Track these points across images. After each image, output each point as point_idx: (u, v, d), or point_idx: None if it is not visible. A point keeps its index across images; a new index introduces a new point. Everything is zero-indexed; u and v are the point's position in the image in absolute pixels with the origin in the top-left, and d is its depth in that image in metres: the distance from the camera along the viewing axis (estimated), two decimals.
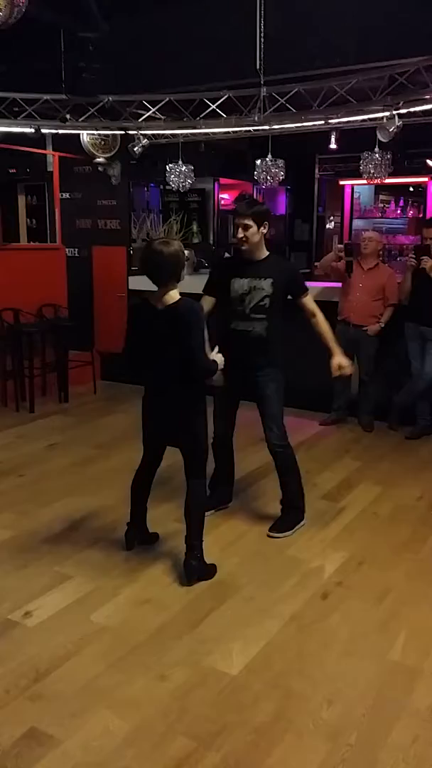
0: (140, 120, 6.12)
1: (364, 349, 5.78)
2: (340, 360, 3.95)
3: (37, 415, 6.42)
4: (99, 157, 6.80)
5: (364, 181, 7.11)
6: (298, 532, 4.01)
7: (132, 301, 7.21)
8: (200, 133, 6.52)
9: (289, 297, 3.92)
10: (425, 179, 9.08)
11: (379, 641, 3.00)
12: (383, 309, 5.77)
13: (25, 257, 7.22)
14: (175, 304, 3.25)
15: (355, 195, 9.92)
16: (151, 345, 3.33)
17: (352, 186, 9.82)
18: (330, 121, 5.69)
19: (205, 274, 6.91)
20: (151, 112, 5.94)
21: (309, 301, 3.95)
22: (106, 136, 6.70)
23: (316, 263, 7.77)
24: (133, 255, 7.55)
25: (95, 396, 7.17)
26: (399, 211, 9.75)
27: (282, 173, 6.19)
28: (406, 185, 9.64)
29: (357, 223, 9.86)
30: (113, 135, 6.71)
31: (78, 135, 6.59)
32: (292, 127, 5.96)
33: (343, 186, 9.86)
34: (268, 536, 3.96)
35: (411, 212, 9.63)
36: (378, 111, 5.29)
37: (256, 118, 5.48)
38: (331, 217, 10.50)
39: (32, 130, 6.14)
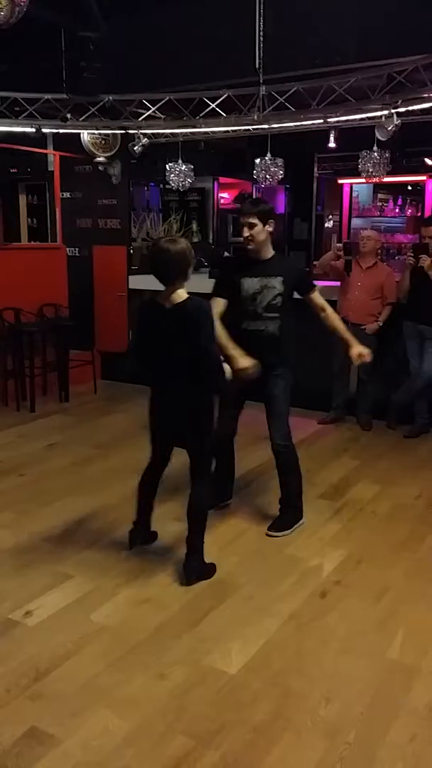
0: (140, 119, 6.12)
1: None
2: (359, 349, 3.96)
3: (37, 415, 6.43)
4: (99, 157, 6.81)
5: (363, 180, 7.12)
6: (296, 531, 4.03)
7: (133, 300, 7.24)
8: (200, 132, 6.53)
9: (297, 295, 3.92)
10: (424, 178, 9.07)
11: (378, 640, 3.02)
12: (382, 308, 5.78)
13: (26, 257, 7.23)
14: (183, 302, 3.24)
15: (354, 194, 9.92)
16: (159, 344, 3.33)
17: (351, 185, 9.81)
18: (329, 119, 5.69)
19: (204, 273, 6.95)
20: (151, 111, 5.94)
21: (317, 297, 3.97)
22: (107, 135, 6.71)
23: (314, 262, 7.77)
24: (133, 254, 7.56)
25: (96, 395, 7.18)
26: (397, 210, 9.75)
27: (281, 172, 6.19)
28: (405, 184, 9.63)
29: (356, 222, 9.85)
30: (113, 134, 6.71)
31: (78, 134, 6.60)
32: (291, 126, 5.96)
33: (342, 185, 9.85)
34: (267, 535, 3.98)
35: (409, 211, 9.63)
36: (377, 110, 5.29)
37: (255, 117, 5.49)
38: (330, 216, 10.50)
39: (33, 130, 6.15)
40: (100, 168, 7.20)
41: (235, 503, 4.37)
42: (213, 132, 6.51)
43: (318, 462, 5.12)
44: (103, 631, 3.05)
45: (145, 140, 6.42)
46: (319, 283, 6.22)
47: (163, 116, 6.05)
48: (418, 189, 9.47)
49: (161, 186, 8.20)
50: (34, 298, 6.87)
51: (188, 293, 3.28)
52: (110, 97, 5.94)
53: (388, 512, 4.34)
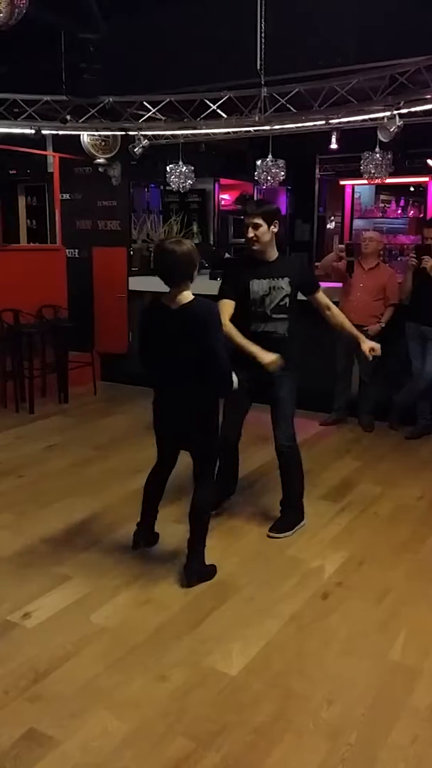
0: (140, 121, 6.12)
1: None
2: (370, 344, 3.96)
3: (36, 416, 6.42)
4: (99, 158, 6.80)
5: (365, 181, 7.11)
6: (298, 532, 4.00)
7: (133, 302, 7.23)
8: (201, 134, 6.53)
9: (301, 296, 3.90)
10: (426, 179, 9.09)
11: (379, 641, 3.00)
12: (384, 309, 5.76)
13: (25, 258, 7.22)
14: (189, 304, 3.22)
15: (356, 195, 9.93)
16: (164, 346, 3.30)
17: (353, 186, 9.83)
18: (330, 121, 5.69)
19: (205, 274, 6.93)
20: (151, 112, 5.94)
21: (322, 296, 3.97)
22: (107, 136, 6.70)
23: (316, 263, 7.75)
24: (133, 256, 7.55)
25: (95, 397, 7.17)
26: (399, 211, 9.75)
27: (282, 173, 6.19)
28: (407, 185, 9.65)
29: (357, 223, 9.87)
30: (113, 136, 6.71)
31: (78, 136, 6.59)
32: (292, 128, 5.96)
33: (344, 186, 9.86)
34: (268, 536, 3.95)
35: (411, 212, 9.64)
36: (378, 111, 5.30)
37: (256, 119, 5.49)
38: (332, 217, 10.51)
39: (33, 131, 6.15)
40: (100, 169, 7.20)
41: (237, 504, 4.35)
42: (214, 133, 6.51)
43: (320, 463, 5.10)
44: (102, 633, 3.02)
45: (145, 142, 6.41)
46: (321, 285, 6.26)
47: (163, 118, 6.05)
48: (421, 190, 9.49)
49: (162, 187, 8.19)
50: (33, 299, 6.85)
51: (193, 294, 3.26)
52: (110, 99, 5.94)
53: (389, 513, 4.32)
